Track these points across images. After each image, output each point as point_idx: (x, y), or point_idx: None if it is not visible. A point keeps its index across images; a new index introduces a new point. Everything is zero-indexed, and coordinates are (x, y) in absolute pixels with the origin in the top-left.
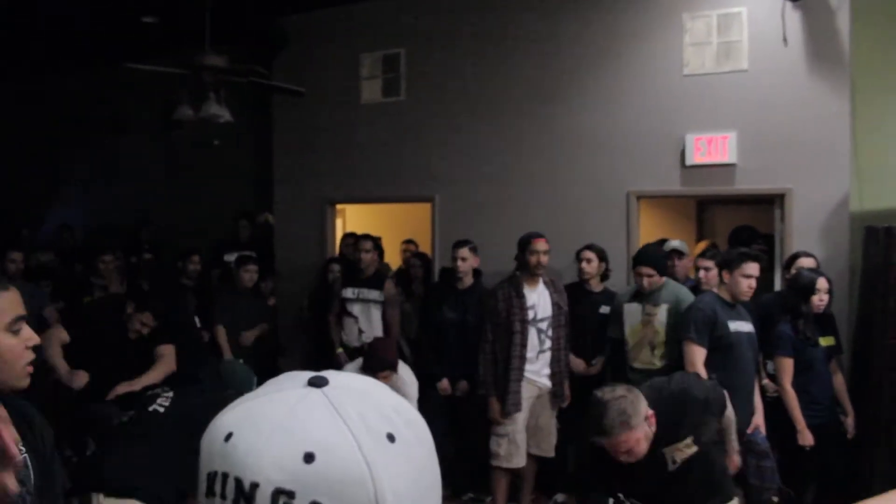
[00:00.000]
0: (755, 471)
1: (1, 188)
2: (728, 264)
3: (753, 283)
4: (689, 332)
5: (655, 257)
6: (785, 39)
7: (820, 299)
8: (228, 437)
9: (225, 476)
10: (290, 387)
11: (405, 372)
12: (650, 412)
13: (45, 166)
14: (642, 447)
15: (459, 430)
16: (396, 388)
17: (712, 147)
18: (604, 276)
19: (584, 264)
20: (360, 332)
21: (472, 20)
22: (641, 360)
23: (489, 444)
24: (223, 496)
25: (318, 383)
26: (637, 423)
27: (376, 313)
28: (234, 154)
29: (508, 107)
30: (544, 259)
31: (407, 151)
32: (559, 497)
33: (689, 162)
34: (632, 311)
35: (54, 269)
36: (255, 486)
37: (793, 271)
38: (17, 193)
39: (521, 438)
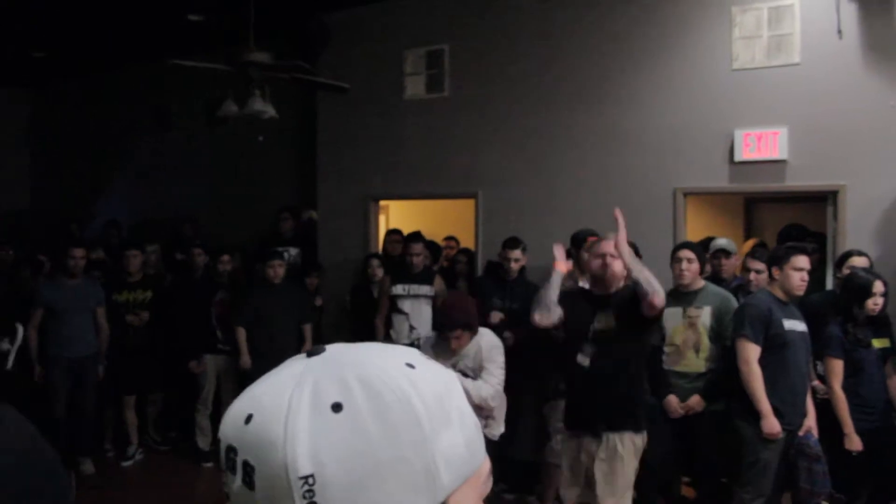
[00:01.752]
0: (806, 475)
1: (52, 185)
2: (777, 260)
3: (805, 276)
4: (743, 329)
5: (695, 245)
6: (840, 32)
7: (875, 303)
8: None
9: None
10: (298, 357)
11: (486, 338)
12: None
13: (93, 163)
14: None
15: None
16: (471, 354)
17: (762, 143)
18: None
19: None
20: (412, 328)
21: (516, 16)
22: (685, 363)
23: (551, 443)
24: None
25: (314, 352)
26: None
27: (427, 309)
28: (279, 151)
29: (552, 104)
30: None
31: (450, 148)
32: None
33: (737, 158)
34: (671, 314)
35: (104, 265)
36: (219, 441)
37: (845, 271)
38: (66, 190)
39: None
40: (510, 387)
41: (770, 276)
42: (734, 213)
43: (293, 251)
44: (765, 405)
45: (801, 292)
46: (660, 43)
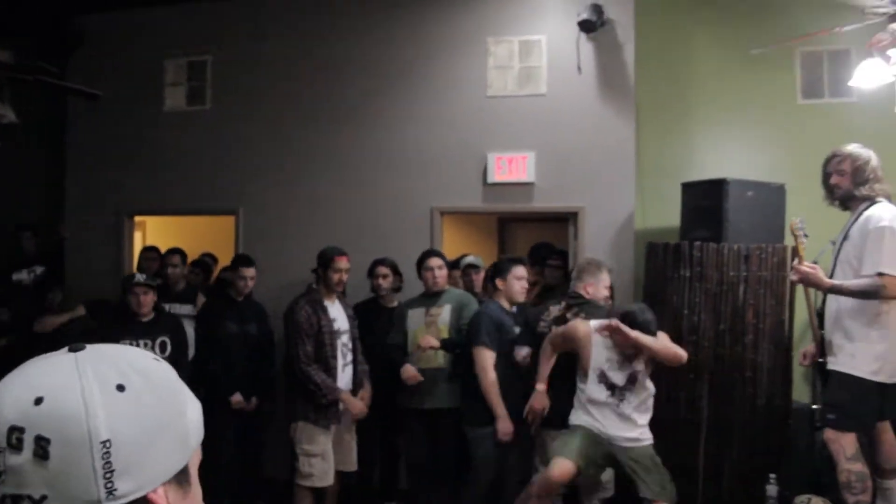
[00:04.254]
0: None
1: None
2: (500, 272)
3: (525, 283)
4: (480, 338)
5: (442, 253)
6: (579, 68)
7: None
8: None
9: None
10: (58, 352)
11: None
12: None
13: None
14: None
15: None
16: None
17: (513, 166)
18: (397, 290)
19: (379, 280)
20: None
21: (281, 34)
22: (425, 360)
23: (297, 464)
24: None
25: (75, 349)
26: None
27: (190, 329)
28: (23, 161)
29: (315, 122)
30: (345, 276)
31: (211, 163)
32: None
33: (490, 180)
34: (415, 315)
35: None
36: None
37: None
38: None
39: (331, 456)
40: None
41: (495, 287)
42: (489, 231)
43: (38, 269)
44: (500, 408)
45: (522, 298)
46: (420, 67)
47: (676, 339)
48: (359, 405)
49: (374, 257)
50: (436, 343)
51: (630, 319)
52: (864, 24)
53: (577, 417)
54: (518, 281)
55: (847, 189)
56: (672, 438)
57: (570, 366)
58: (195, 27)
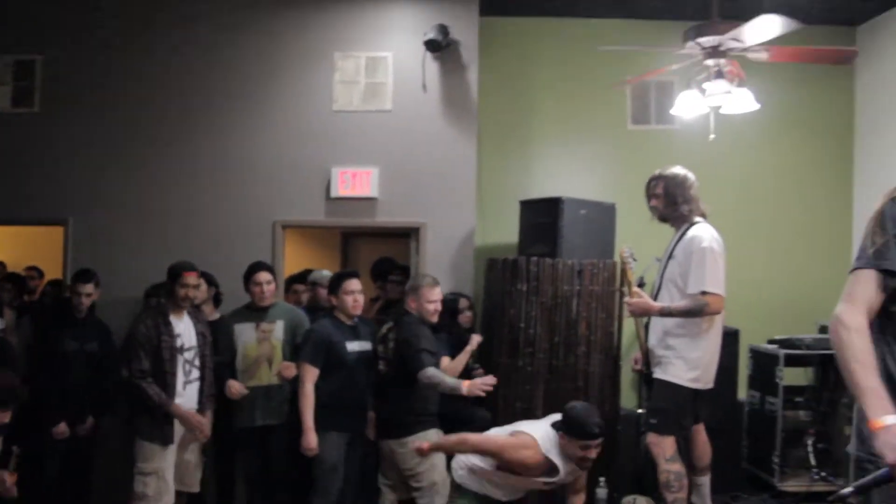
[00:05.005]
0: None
1: None
2: (333, 288)
3: (358, 297)
4: (304, 354)
5: (271, 266)
6: (424, 86)
7: (465, 318)
8: None
9: None
10: None
11: None
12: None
13: None
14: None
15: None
16: None
17: (356, 181)
18: (216, 301)
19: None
20: None
21: (116, 32)
22: (259, 377)
23: (133, 485)
24: None
25: None
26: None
27: None
28: None
29: (152, 129)
30: (193, 293)
31: (38, 170)
32: None
33: (333, 194)
34: (244, 330)
35: None
36: None
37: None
38: None
39: (170, 475)
40: None
41: (331, 302)
42: (332, 246)
43: None
44: (308, 422)
45: (356, 312)
46: (266, 78)
47: (513, 350)
48: (195, 419)
49: (215, 272)
50: (294, 371)
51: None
52: (687, 62)
53: (463, 478)
54: (348, 295)
55: (662, 210)
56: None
57: (406, 374)
58: (24, 24)
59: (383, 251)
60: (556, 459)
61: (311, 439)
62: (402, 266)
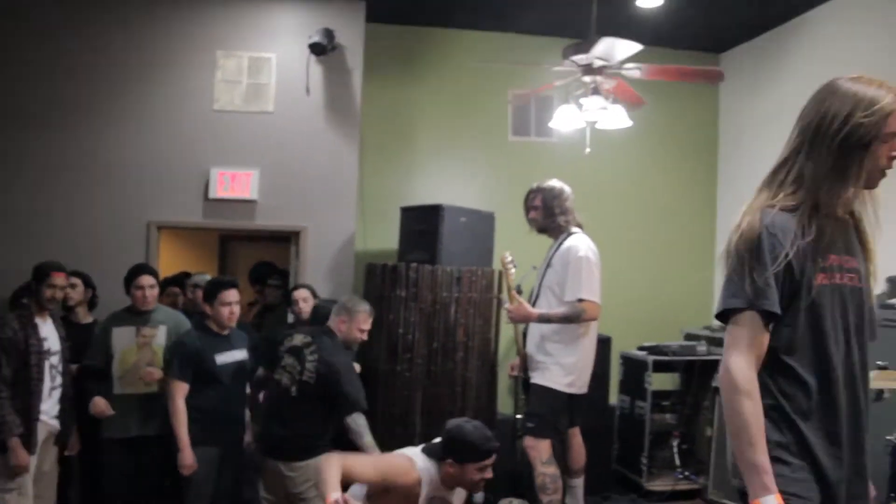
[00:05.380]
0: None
1: None
2: (207, 296)
3: (235, 308)
4: (171, 369)
5: (154, 270)
6: (308, 89)
7: None
8: None
9: None
10: None
11: None
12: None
13: None
14: None
15: None
16: None
17: (236, 182)
18: (91, 304)
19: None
20: None
21: None
22: (137, 384)
23: None
24: None
25: None
26: None
27: None
28: None
29: (19, 125)
30: (60, 294)
31: None
32: None
33: (212, 195)
34: (123, 334)
35: None
36: None
37: (301, 304)
38: None
39: (30, 488)
40: None
41: (205, 311)
42: (209, 248)
43: None
44: (183, 440)
45: (232, 323)
46: (144, 74)
47: (392, 356)
48: (22, 457)
49: (86, 272)
50: (158, 374)
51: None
52: (570, 79)
53: None
54: (225, 307)
55: (540, 221)
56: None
57: (319, 399)
58: None
59: (262, 254)
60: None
61: (188, 456)
62: (282, 270)
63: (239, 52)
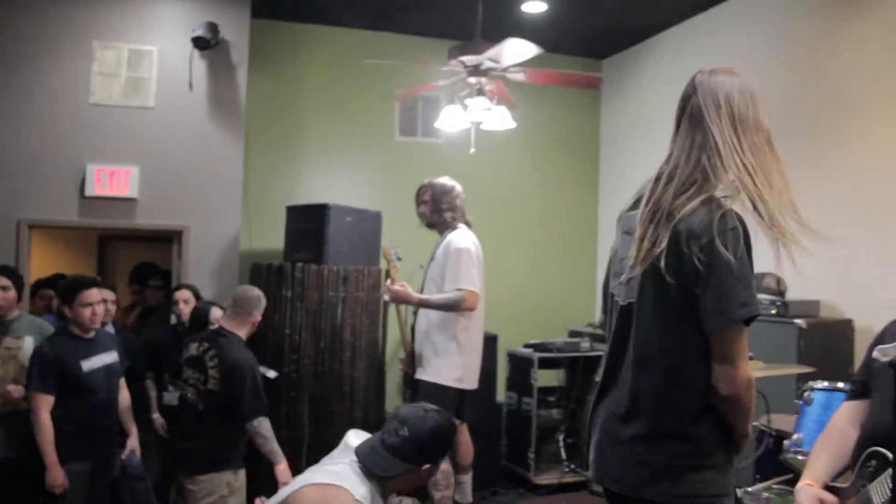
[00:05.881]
0: (129, 494)
1: None
2: (65, 298)
3: (98, 308)
4: (32, 383)
5: (13, 270)
6: (191, 84)
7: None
8: None
9: None
10: None
11: None
12: None
13: None
14: None
15: None
16: None
17: (114, 180)
18: None
19: None
20: None
21: None
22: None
23: None
24: None
25: None
26: None
27: None
28: None
29: None
30: None
31: None
32: None
33: (89, 193)
34: None
35: None
36: None
37: (182, 304)
38: None
39: None
40: None
41: (64, 314)
42: (87, 248)
43: None
44: (51, 458)
45: (95, 325)
46: (13, 62)
47: (279, 357)
48: None
49: None
50: (18, 392)
51: None
52: (454, 79)
53: None
54: (85, 308)
55: (428, 216)
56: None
57: (224, 407)
58: None
59: (143, 255)
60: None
61: (57, 475)
62: (164, 271)
63: (118, 43)
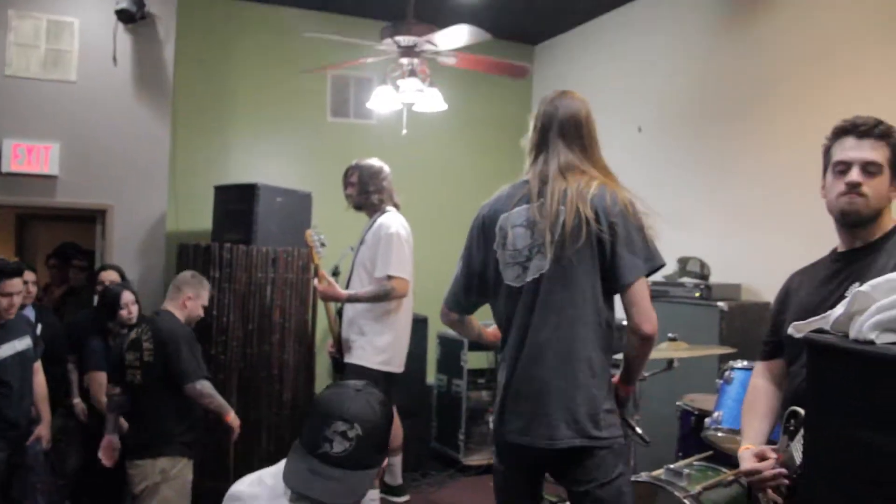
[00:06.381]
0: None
1: None
2: None
3: (16, 299)
4: None
5: None
6: (115, 59)
7: (128, 312)
8: None
9: None
10: None
11: None
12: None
13: None
14: None
15: None
16: None
17: (33, 156)
18: None
19: None
20: None
21: None
22: None
23: None
24: None
25: None
26: None
27: None
28: None
29: None
30: None
31: None
32: None
33: (5, 169)
34: None
35: None
36: None
37: (99, 287)
38: None
39: None
40: None
41: None
42: (5, 228)
43: None
44: None
45: (11, 315)
46: None
47: (206, 339)
48: None
49: None
50: None
51: None
52: (383, 58)
53: None
54: (4, 298)
55: (355, 198)
56: (203, 438)
57: (161, 384)
58: None
59: (65, 234)
60: None
61: None
62: (87, 251)
63: (35, 13)
